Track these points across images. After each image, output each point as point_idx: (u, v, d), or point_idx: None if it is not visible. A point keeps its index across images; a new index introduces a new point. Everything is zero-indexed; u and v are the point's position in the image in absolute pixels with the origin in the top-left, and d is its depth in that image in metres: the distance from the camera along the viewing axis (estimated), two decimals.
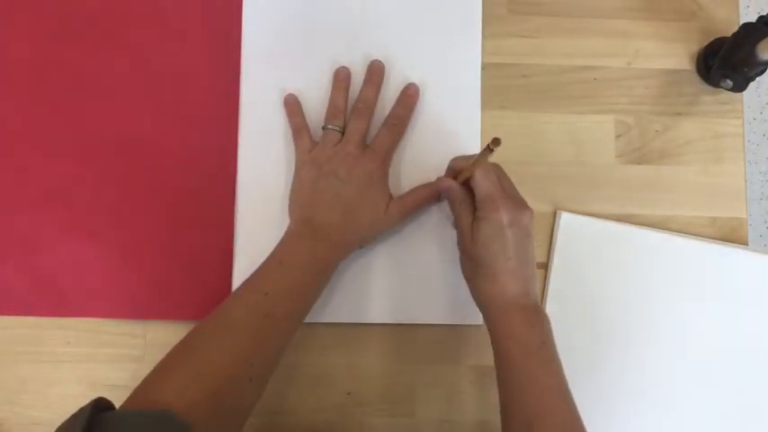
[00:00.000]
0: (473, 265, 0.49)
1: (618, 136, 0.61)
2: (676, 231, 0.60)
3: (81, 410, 0.37)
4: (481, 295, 0.49)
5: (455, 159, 0.52)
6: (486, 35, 0.61)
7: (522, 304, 0.47)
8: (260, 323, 0.47)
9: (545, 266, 0.59)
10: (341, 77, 0.58)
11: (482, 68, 0.60)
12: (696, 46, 0.62)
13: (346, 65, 0.59)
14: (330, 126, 0.56)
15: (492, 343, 0.48)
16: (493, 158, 0.47)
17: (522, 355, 0.46)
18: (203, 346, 0.46)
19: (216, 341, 0.46)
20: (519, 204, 0.49)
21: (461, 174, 0.50)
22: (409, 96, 0.58)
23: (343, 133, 0.56)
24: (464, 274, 0.52)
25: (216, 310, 0.48)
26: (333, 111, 0.57)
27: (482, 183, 0.48)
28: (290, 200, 0.56)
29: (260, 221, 0.58)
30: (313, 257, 0.51)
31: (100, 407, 0.38)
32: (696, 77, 0.62)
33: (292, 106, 0.58)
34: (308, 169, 0.55)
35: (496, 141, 0.44)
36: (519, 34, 0.62)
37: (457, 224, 0.52)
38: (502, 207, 0.47)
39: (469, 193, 0.50)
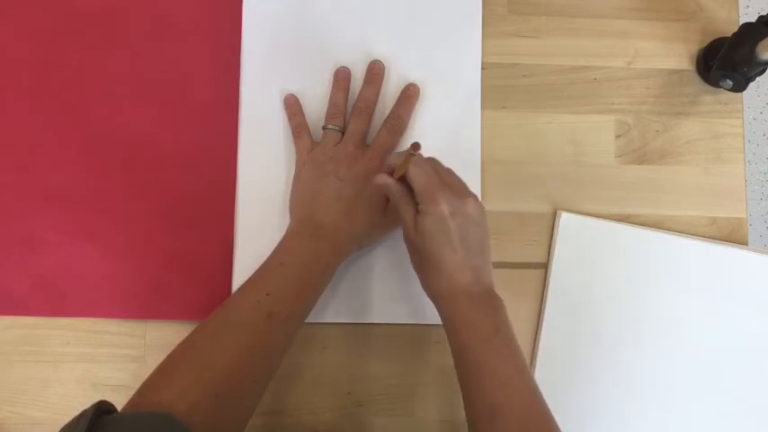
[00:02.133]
0: (420, 258, 0.49)
1: (618, 136, 0.61)
2: (676, 231, 0.60)
3: (83, 413, 0.37)
4: (431, 288, 0.49)
5: (390, 157, 0.50)
6: (486, 35, 0.61)
7: (472, 293, 0.47)
8: (262, 324, 0.47)
9: (545, 266, 0.59)
10: (341, 77, 0.58)
11: (482, 68, 0.60)
12: (696, 46, 0.62)
13: (346, 65, 0.59)
14: (330, 126, 0.56)
15: (447, 334, 0.48)
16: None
17: (478, 344, 0.45)
18: (206, 347, 0.46)
19: (218, 342, 0.46)
20: (460, 194, 0.48)
21: (396, 171, 0.49)
22: (409, 96, 0.58)
23: (343, 133, 0.56)
24: (413, 267, 0.51)
25: (218, 311, 0.48)
26: (333, 111, 0.57)
27: (417, 177, 0.47)
28: (291, 199, 0.56)
29: (260, 221, 0.58)
30: (314, 257, 0.51)
31: (102, 410, 0.38)
32: (696, 77, 0.62)
33: (292, 106, 0.58)
34: (309, 169, 0.55)
35: (416, 146, 0.45)
36: (519, 34, 0.62)
37: (401, 218, 0.50)
38: (441, 198, 0.46)
39: (409, 187, 0.49)
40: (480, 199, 0.59)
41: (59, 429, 0.37)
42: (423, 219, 0.47)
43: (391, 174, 0.50)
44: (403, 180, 0.49)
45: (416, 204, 0.48)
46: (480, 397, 0.44)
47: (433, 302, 0.49)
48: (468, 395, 0.46)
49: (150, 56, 0.59)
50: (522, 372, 0.45)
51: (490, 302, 0.47)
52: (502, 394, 0.44)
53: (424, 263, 0.48)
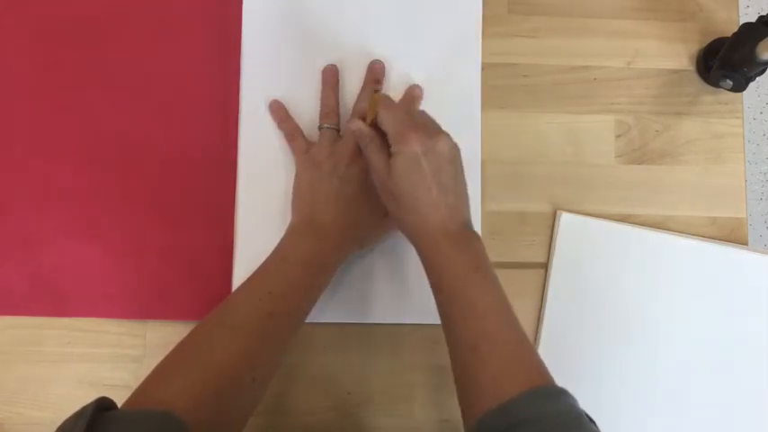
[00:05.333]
0: (395, 201, 0.48)
1: (618, 136, 0.61)
2: (676, 231, 0.60)
3: (83, 409, 0.37)
4: (407, 228, 0.49)
5: (357, 103, 0.50)
6: (486, 35, 0.61)
7: (449, 231, 0.46)
8: (263, 323, 0.47)
9: (545, 266, 0.59)
10: (329, 76, 0.58)
11: (482, 68, 0.60)
12: (696, 46, 0.62)
13: (346, 65, 0.59)
14: (326, 125, 0.56)
15: (426, 274, 0.48)
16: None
17: (457, 281, 0.45)
18: (207, 346, 0.46)
19: (220, 340, 0.46)
20: (431, 132, 0.47)
21: (367, 115, 0.49)
22: (415, 98, 0.59)
23: (338, 131, 0.56)
24: (389, 212, 0.51)
25: (219, 308, 0.48)
26: (325, 110, 0.57)
27: (387, 119, 0.47)
28: (293, 199, 0.56)
29: (260, 221, 0.58)
30: (314, 255, 0.52)
31: (102, 406, 0.38)
32: (696, 77, 0.62)
33: (278, 112, 0.58)
34: (307, 169, 0.55)
35: (377, 81, 0.45)
36: (519, 34, 0.62)
37: (371, 165, 0.50)
38: (413, 137, 0.46)
39: (380, 131, 0.49)
40: (480, 199, 0.59)
41: (60, 424, 0.37)
42: (395, 160, 0.47)
43: (364, 120, 0.50)
44: (376, 127, 0.49)
45: (388, 148, 0.48)
46: (462, 332, 0.45)
47: (412, 243, 0.49)
48: (450, 332, 0.46)
49: (150, 56, 0.59)
50: (502, 305, 0.45)
51: (468, 240, 0.47)
52: (483, 327, 0.44)
53: (399, 205, 0.48)
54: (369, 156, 0.50)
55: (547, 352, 0.57)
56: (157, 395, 0.42)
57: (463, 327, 0.45)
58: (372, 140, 0.49)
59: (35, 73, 0.59)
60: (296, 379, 0.57)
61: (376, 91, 0.45)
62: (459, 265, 0.46)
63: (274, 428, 0.57)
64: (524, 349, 0.44)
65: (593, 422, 0.40)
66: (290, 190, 0.57)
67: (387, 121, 0.48)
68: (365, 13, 0.61)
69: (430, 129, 0.48)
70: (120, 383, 0.57)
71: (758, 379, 0.58)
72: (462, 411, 0.44)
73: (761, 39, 0.54)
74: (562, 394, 0.41)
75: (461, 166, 0.49)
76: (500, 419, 0.39)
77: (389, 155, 0.48)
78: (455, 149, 0.48)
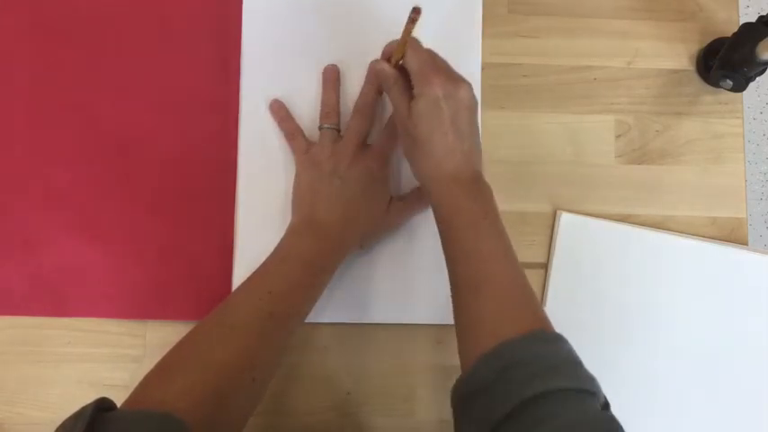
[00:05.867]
0: (412, 143, 0.49)
1: (618, 136, 0.61)
2: (676, 231, 0.60)
3: (83, 409, 0.37)
4: (421, 171, 0.49)
5: (389, 44, 0.51)
6: (486, 35, 0.61)
7: (462, 178, 0.47)
8: (264, 323, 0.47)
9: (545, 266, 0.59)
10: (329, 76, 0.58)
11: (482, 68, 0.60)
12: (696, 46, 0.62)
13: (347, 65, 0.59)
14: (326, 125, 0.56)
15: (435, 218, 0.48)
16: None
17: (466, 226, 0.46)
18: (207, 346, 0.46)
19: (219, 340, 0.46)
20: (454, 78, 0.48)
21: (393, 56, 0.50)
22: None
23: (338, 131, 0.56)
24: (405, 155, 0.52)
25: (218, 309, 0.48)
26: (326, 110, 0.57)
27: (413, 59, 0.48)
28: (293, 199, 0.56)
29: (260, 221, 0.58)
30: (314, 255, 0.52)
31: (102, 406, 0.38)
32: (696, 77, 0.62)
33: (279, 112, 0.58)
34: (308, 169, 0.55)
35: (417, 10, 0.45)
36: (519, 34, 0.62)
37: (394, 106, 0.51)
38: (435, 80, 0.47)
39: (404, 74, 0.50)
40: None
41: (60, 424, 0.37)
42: (416, 101, 0.48)
43: (389, 61, 0.50)
44: (400, 69, 0.50)
45: (411, 91, 0.49)
46: (466, 274, 0.45)
47: (423, 186, 0.50)
48: (454, 274, 0.47)
49: (150, 56, 0.59)
50: (507, 251, 0.46)
51: (479, 188, 0.48)
52: (486, 271, 0.45)
53: (415, 147, 0.49)
54: (392, 97, 0.51)
55: None
56: (157, 395, 0.42)
57: (467, 269, 0.45)
58: (396, 82, 0.50)
59: (35, 73, 0.59)
60: (296, 379, 0.57)
61: (414, 20, 0.45)
62: (468, 210, 0.46)
63: (274, 428, 0.57)
64: (526, 294, 0.45)
65: (594, 378, 0.40)
66: (290, 190, 0.57)
67: (412, 62, 0.48)
68: (365, 13, 0.60)
69: (453, 75, 0.49)
70: (119, 383, 0.57)
71: (758, 379, 0.58)
72: (460, 353, 0.45)
73: (761, 39, 0.54)
74: (559, 340, 0.42)
75: (478, 118, 0.50)
76: (496, 360, 0.40)
77: (412, 98, 0.48)
78: (475, 100, 0.49)
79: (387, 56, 0.51)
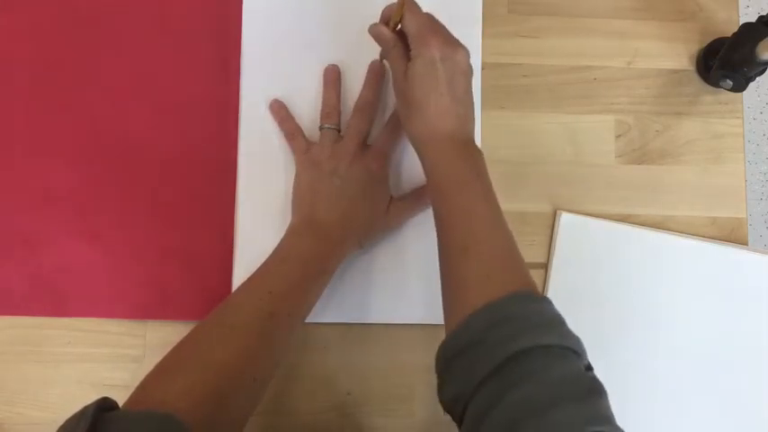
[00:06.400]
0: (407, 104, 0.49)
1: (618, 136, 0.61)
2: (676, 231, 0.60)
3: (85, 409, 0.37)
4: (415, 133, 0.49)
5: (387, 7, 0.51)
6: (486, 35, 0.61)
7: (454, 140, 0.47)
8: (264, 323, 0.47)
9: (545, 266, 0.59)
10: (330, 76, 0.58)
11: (482, 68, 0.60)
12: (696, 46, 0.62)
13: (347, 65, 0.59)
14: (326, 125, 0.56)
15: (426, 178, 0.49)
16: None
17: (456, 187, 0.46)
18: (207, 346, 0.46)
19: (220, 341, 0.46)
20: (452, 41, 0.48)
21: (392, 19, 0.50)
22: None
23: (339, 131, 0.56)
24: (400, 118, 0.51)
25: (219, 309, 0.48)
26: (327, 110, 0.57)
27: (411, 21, 0.48)
28: (293, 199, 0.56)
29: (260, 221, 0.58)
30: (314, 255, 0.52)
31: (104, 406, 0.38)
32: (696, 77, 0.62)
33: (279, 112, 0.58)
34: (308, 169, 0.55)
35: None
36: (519, 34, 0.62)
37: (391, 69, 0.51)
38: (433, 42, 0.47)
39: (402, 38, 0.50)
40: None
41: (62, 425, 0.37)
42: (413, 63, 0.48)
43: (387, 25, 0.51)
44: (398, 32, 0.50)
45: (408, 53, 0.49)
46: (455, 234, 0.45)
47: (415, 148, 0.50)
48: (443, 235, 0.47)
49: (150, 55, 0.59)
50: (495, 213, 0.46)
51: (471, 151, 0.48)
52: (474, 231, 0.45)
53: (411, 108, 0.48)
54: (390, 60, 0.51)
55: None
56: (158, 395, 0.42)
57: (456, 229, 0.45)
58: (395, 45, 0.50)
59: (35, 73, 0.59)
60: (296, 379, 0.57)
61: None
62: (460, 172, 0.47)
63: (274, 428, 0.57)
64: (513, 256, 0.45)
65: (579, 339, 0.41)
66: (290, 190, 0.57)
67: (411, 24, 0.48)
68: (365, 13, 0.60)
69: (451, 39, 0.49)
70: (120, 383, 0.57)
71: (758, 379, 0.58)
72: (446, 315, 0.45)
73: (761, 39, 0.54)
74: (545, 301, 0.42)
75: (472, 87, 0.50)
76: (483, 320, 0.40)
77: (409, 59, 0.49)
78: (471, 66, 0.49)
79: (385, 19, 0.51)
